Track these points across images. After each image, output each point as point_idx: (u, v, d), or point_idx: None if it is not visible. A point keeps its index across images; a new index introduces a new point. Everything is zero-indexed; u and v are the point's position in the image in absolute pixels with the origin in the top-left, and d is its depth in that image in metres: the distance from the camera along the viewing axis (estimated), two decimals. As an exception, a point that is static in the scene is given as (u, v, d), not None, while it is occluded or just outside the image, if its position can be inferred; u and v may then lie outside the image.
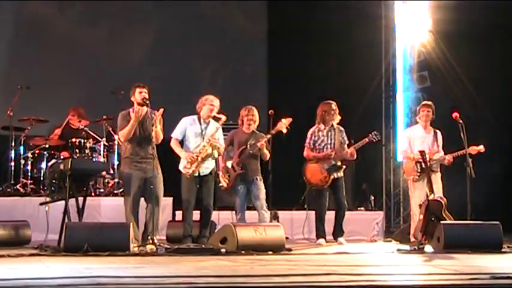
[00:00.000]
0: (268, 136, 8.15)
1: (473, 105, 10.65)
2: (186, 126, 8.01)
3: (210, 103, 7.97)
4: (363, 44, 11.53)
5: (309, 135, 8.73)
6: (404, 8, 11.80)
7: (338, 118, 8.74)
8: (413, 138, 8.73)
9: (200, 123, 7.99)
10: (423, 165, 8.34)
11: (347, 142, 8.79)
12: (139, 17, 12.10)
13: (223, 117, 7.95)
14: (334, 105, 8.68)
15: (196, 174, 7.85)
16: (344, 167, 8.67)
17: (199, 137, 7.93)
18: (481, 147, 8.44)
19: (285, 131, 8.15)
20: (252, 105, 8.49)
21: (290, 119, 8.14)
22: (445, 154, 8.56)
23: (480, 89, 11.10)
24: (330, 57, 11.62)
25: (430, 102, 8.84)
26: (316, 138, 8.69)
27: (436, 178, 8.42)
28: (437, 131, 8.75)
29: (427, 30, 11.41)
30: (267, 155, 8.20)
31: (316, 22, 11.81)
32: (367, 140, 8.59)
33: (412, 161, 8.54)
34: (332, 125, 8.69)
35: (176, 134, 8.01)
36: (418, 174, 8.44)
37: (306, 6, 11.79)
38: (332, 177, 8.54)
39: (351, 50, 11.59)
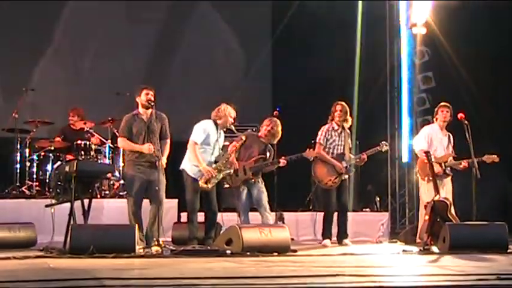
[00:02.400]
0: (284, 161, 8.19)
1: (478, 106, 10.62)
2: (209, 131, 7.81)
3: (230, 115, 7.84)
4: (368, 44, 11.52)
5: (322, 132, 8.66)
6: (408, 8, 11.77)
7: (349, 120, 8.73)
8: (433, 138, 8.56)
9: (217, 131, 7.89)
10: (441, 167, 8.32)
11: (351, 146, 8.80)
12: (143, 17, 12.11)
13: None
14: (340, 106, 8.64)
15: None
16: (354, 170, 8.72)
17: (212, 145, 7.81)
18: (495, 157, 8.31)
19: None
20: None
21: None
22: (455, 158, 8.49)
23: (485, 90, 11.07)
24: (334, 57, 11.61)
25: (448, 104, 8.65)
26: (329, 136, 8.63)
27: (448, 181, 8.35)
28: (450, 134, 8.64)
29: (431, 30, 11.39)
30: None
31: (320, 22, 11.80)
32: (378, 148, 8.72)
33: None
34: (343, 127, 8.67)
35: (199, 138, 7.76)
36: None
37: (309, 6, 11.78)
38: (341, 178, 8.55)
39: (356, 51, 11.58)
